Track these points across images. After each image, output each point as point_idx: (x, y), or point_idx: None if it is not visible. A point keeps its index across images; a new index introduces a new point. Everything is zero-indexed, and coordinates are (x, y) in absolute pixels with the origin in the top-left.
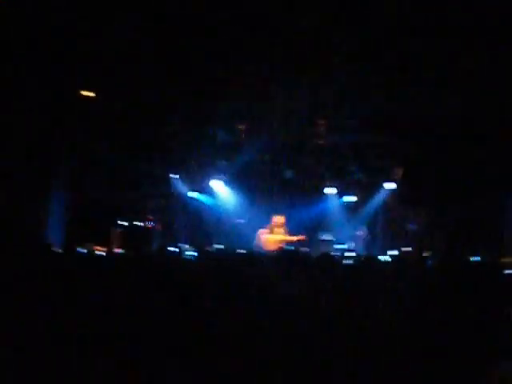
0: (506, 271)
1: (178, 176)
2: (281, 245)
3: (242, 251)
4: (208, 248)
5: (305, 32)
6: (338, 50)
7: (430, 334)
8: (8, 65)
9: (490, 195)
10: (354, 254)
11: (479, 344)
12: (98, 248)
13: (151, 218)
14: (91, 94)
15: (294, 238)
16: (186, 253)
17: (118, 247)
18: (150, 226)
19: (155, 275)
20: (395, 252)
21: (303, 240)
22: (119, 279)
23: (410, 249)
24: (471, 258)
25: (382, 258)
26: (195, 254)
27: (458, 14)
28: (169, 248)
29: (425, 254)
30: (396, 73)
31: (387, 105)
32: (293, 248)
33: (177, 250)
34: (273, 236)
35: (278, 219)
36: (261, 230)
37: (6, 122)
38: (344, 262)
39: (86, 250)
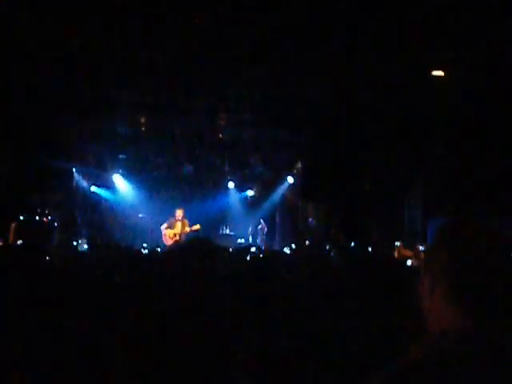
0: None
1: (76, 170)
2: (177, 238)
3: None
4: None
5: (203, 23)
6: (237, 43)
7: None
8: None
9: (391, 189)
10: (253, 248)
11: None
12: None
13: (48, 212)
14: None
15: (188, 229)
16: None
17: (16, 240)
18: (46, 220)
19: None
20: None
21: (198, 229)
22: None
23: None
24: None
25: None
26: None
27: None
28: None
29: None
30: (294, 64)
31: (287, 98)
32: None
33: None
34: (170, 230)
35: (178, 213)
36: (162, 226)
37: None
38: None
39: None
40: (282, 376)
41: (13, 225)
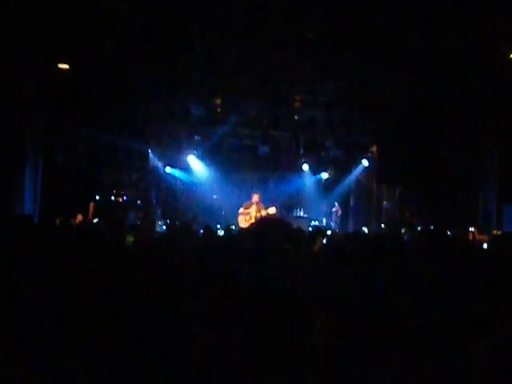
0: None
1: (151, 150)
2: (252, 221)
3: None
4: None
5: (280, 6)
6: (313, 27)
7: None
8: None
9: (466, 173)
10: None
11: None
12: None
13: (123, 192)
14: (66, 67)
15: (263, 213)
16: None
17: (93, 219)
18: (121, 200)
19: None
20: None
21: (273, 214)
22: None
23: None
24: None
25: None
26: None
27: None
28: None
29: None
30: (372, 50)
31: (365, 82)
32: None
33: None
34: (245, 213)
35: (254, 197)
36: (240, 209)
37: None
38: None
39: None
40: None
41: (91, 204)
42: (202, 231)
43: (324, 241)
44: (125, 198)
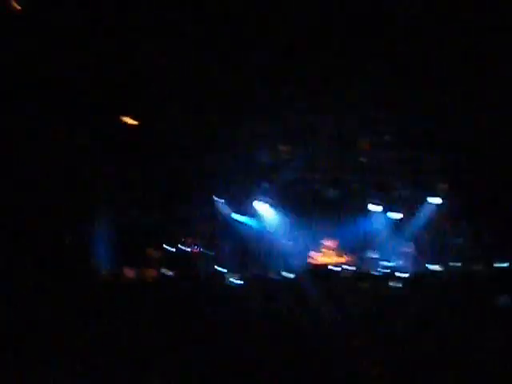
0: None
1: (222, 199)
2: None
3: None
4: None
5: (343, 48)
6: (378, 65)
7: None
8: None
9: None
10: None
11: None
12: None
13: (195, 242)
14: (133, 122)
15: (343, 259)
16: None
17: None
18: (195, 250)
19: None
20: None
21: (350, 260)
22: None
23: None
24: None
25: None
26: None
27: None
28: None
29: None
30: (436, 87)
31: (429, 120)
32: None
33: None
34: (321, 259)
35: (331, 243)
36: (312, 253)
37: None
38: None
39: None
40: None
41: (156, 253)
42: None
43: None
44: (196, 247)
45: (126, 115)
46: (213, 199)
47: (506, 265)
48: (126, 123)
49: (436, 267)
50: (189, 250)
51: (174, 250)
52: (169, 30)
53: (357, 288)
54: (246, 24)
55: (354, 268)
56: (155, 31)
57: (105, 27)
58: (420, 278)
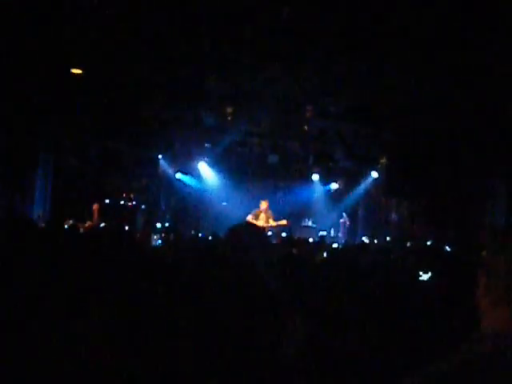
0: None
1: (162, 157)
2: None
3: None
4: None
5: (293, 19)
6: (324, 38)
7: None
8: None
9: (476, 184)
10: (335, 245)
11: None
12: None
13: (133, 197)
14: (79, 72)
15: (274, 224)
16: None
17: (99, 223)
18: (131, 204)
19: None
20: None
21: (286, 225)
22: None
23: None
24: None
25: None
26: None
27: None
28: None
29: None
30: (383, 61)
31: (374, 93)
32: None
33: None
34: (254, 222)
35: (262, 204)
36: (248, 217)
37: None
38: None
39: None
40: None
41: (95, 206)
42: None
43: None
44: (134, 202)
45: (73, 65)
46: (157, 157)
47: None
48: (72, 73)
49: (366, 239)
50: (128, 204)
51: (110, 203)
52: None
53: (285, 253)
54: None
55: (285, 234)
56: None
57: None
58: (348, 249)
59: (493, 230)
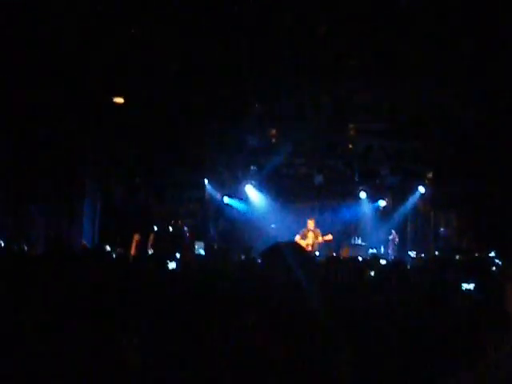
0: None
1: (208, 181)
2: (310, 248)
3: None
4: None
5: (331, 36)
6: (367, 53)
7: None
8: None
9: None
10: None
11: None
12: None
13: (182, 223)
14: (121, 101)
15: (320, 239)
16: None
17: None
18: (183, 231)
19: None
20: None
21: (330, 241)
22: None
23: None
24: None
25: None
26: None
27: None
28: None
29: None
30: (425, 77)
31: (416, 109)
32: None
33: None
34: (302, 241)
35: (309, 223)
36: (296, 236)
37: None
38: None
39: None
40: None
41: (136, 236)
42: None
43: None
44: (185, 228)
45: (114, 94)
46: (203, 182)
47: (492, 254)
48: (113, 102)
49: (414, 254)
50: (177, 231)
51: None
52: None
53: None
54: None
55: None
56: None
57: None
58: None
59: None
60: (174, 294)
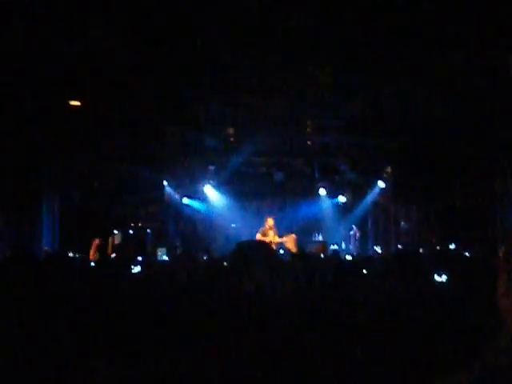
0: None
1: (167, 182)
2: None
3: None
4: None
5: (291, 33)
6: (325, 52)
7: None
8: None
9: (483, 186)
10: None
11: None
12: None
13: (143, 225)
14: (78, 104)
15: (283, 239)
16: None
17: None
18: (147, 234)
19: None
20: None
21: (294, 240)
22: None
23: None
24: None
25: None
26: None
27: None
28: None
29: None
30: (383, 73)
31: (375, 105)
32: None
33: None
34: (263, 239)
35: (268, 221)
36: (257, 235)
37: None
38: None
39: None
40: None
41: (110, 240)
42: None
43: None
44: (148, 231)
45: (71, 98)
46: (162, 183)
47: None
48: (70, 105)
49: (379, 249)
50: (137, 233)
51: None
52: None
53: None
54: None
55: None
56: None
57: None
58: (360, 260)
59: None
60: (141, 299)
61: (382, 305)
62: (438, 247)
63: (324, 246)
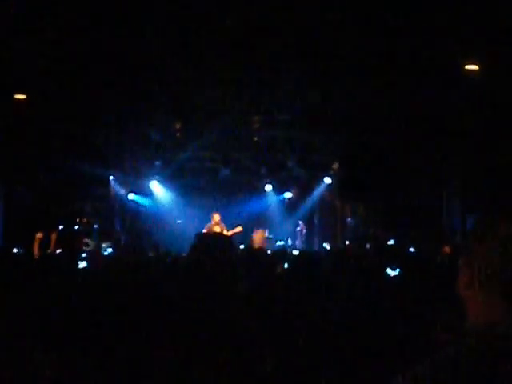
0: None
1: (113, 178)
2: None
3: None
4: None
5: (239, 29)
6: (271, 48)
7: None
8: None
9: (428, 185)
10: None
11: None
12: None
13: (89, 220)
14: (23, 97)
15: (230, 233)
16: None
17: (55, 249)
18: (84, 228)
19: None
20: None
21: (240, 232)
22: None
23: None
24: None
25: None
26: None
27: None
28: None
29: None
30: (330, 69)
31: (322, 101)
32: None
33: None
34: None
35: (214, 217)
36: (204, 231)
37: None
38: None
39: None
40: None
41: (53, 235)
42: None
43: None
44: (95, 226)
45: (15, 91)
46: (108, 179)
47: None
48: (14, 99)
49: (328, 246)
50: (82, 228)
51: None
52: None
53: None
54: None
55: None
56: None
57: None
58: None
59: (480, 218)
60: (88, 295)
61: (339, 298)
62: (386, 243)
63: (262, 233)
